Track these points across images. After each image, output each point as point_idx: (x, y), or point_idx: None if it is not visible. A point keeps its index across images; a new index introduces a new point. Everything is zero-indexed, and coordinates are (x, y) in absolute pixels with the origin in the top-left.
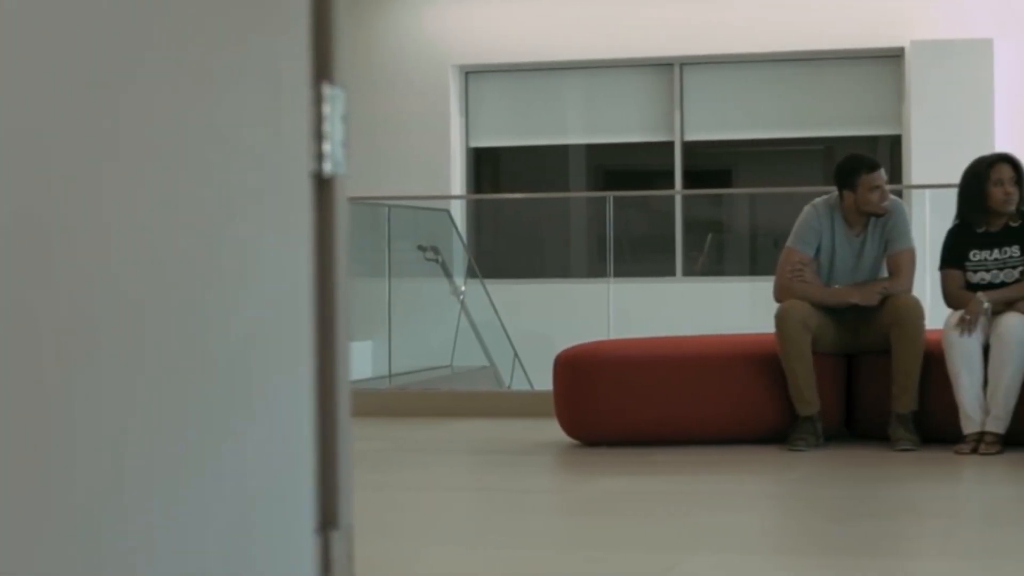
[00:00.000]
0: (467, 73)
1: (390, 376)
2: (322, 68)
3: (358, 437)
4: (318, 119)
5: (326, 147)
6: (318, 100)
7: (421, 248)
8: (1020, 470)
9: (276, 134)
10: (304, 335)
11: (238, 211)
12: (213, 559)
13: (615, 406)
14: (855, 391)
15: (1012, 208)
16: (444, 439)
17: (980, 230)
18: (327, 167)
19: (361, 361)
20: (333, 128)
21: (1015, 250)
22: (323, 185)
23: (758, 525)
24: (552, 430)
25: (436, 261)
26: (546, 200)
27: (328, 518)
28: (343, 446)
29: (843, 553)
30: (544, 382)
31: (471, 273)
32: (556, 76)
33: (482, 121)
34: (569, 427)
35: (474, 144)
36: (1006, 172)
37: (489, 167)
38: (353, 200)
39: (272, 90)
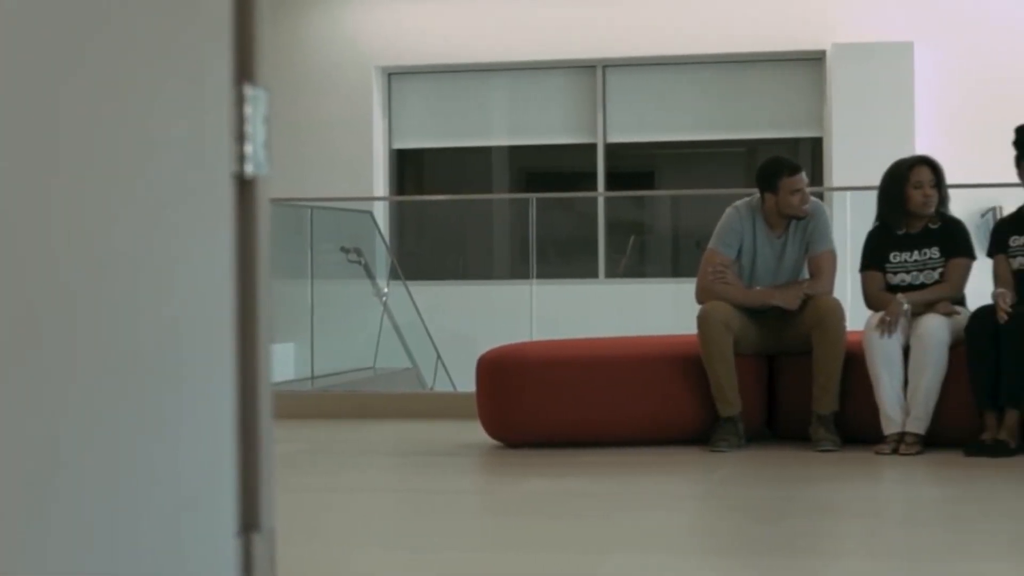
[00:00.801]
0: (390, 74)
1: (312, 378)
2: (244, 69)
3: (280, 439)
4: (240, 120)
5: (248, 148)
6: (240, 101)
7: (344, 250)
8: (940, 470)
9: (198, 135)
10: (225, 337)
11: (159, 213)
12: (134, 561)
13: (538, 407)
14: (777, 392)
15: (931, 210)
16: (367, 441)
17: (900, 232)
18: (249, 168)
19: (283, 363)
20: (255, 129)
21: (935, 252)
22: (245, 186)
23: (681, 525)
24: (475, 431)
25: (359, 263)
26: (469, 202)
27: (250, 521)
28: (265, 448)
29: (766, 553)
30: (467, 383)
31: (394, 275)
32: (479, 78)
33: (405, 123)
34: (492, 428)
35: (397, 146)
36: (925, 175)
37: (412, 169)
38: (275, 202)
39: (194, 91)
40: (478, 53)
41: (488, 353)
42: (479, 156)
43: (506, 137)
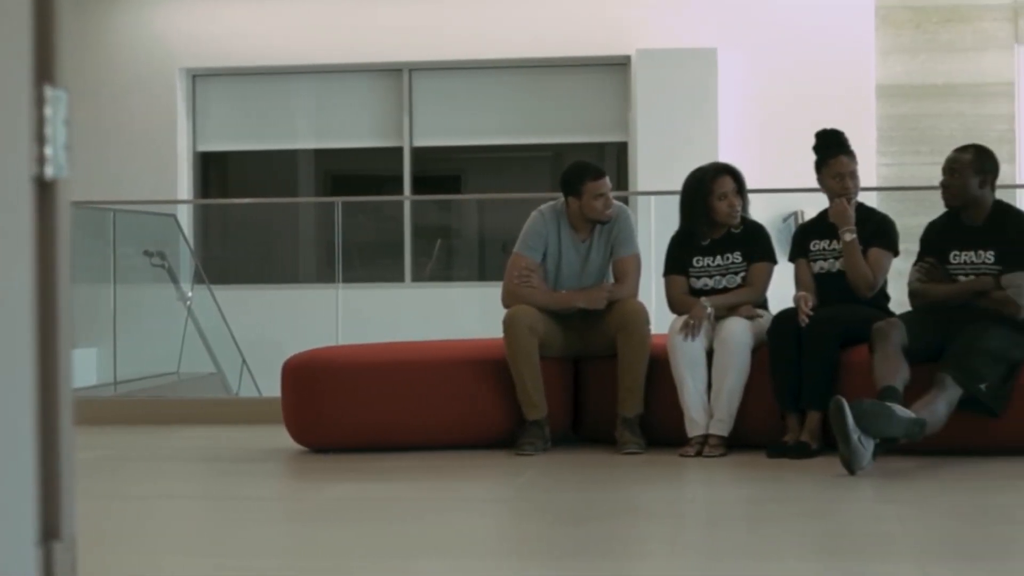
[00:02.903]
0: (194, 76)
1: (115, 383)
2: (43, 69)
3: (82, 446)
4: (39, 122)
5: (48, 151)
6: (39, 102)
7: (147, 253)
8: (743, 472)
9: None
10: (24, 341)
11: None
12: None
13: (344, 412)
14: (582, 395)
15: (738, 220)
16: (171, 447)
17: (704, 241)
18: (49, 171)
19: (85, 368)
20: (55, 131)
21: (737, 256)
22: (44, 189)
23: (487, 529)
24: (280, 437)
25: (162, 267)
26: (275, 205)
27: (50, 529)
28: (65, 455)
29: (572, 556)
30: (272, 388)
31: (198, 278)
32: (285, 80)
33: (210, 125)
34: (297, 434)
35: (201, 148)
36: (728, 185)
37: (217, 172)
38: (77, 205)
39: None
40: (284, 55)
41: (293, 358)
42: (285, 159)
43: (312, 140)
